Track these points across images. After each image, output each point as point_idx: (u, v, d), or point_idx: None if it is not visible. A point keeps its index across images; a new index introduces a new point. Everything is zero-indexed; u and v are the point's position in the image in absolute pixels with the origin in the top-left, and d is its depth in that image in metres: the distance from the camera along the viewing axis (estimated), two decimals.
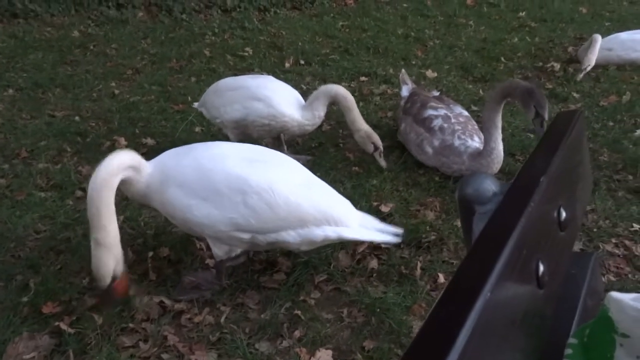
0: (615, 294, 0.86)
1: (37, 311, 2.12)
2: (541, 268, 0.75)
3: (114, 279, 1.98)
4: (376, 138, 3.04)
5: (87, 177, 3.03)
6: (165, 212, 2.15)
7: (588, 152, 1.13)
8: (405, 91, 3.70)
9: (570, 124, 1.04)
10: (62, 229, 2.63)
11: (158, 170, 2.11)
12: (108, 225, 1.93)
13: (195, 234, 2.22)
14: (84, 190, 2.95)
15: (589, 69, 4.47)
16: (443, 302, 0.62)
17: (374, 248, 2.50)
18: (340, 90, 2.98)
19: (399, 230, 2.24)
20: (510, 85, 2.86)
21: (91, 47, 5.39)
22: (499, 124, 2.89)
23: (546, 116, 2.77)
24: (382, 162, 3.11)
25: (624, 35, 4.81)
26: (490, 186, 0.90)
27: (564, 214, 0.87)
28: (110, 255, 1.94)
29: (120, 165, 1.98)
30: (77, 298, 2.19)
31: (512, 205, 0.76)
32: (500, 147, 2.93)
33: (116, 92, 4.37)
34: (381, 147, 3.07)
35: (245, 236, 2.06)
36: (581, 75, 4.46)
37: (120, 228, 2.60)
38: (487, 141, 2.92)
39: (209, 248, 2.30)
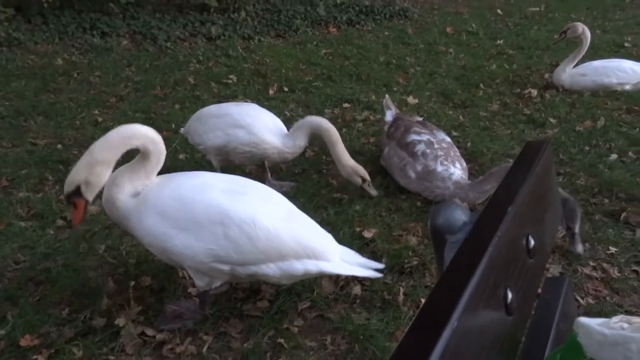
0: (583, 319, 0.89)
1: (14, 344, 2.08)
2: (509, 295, 0.77)
3: (75, 192, 2.02)
4: (363, 172, 3.06)
5: (68, 206, 3.04)
6: (145, 240, 2.13)
7: (557, 180, 1.17)
8: (389, 116, 3.77)
9: (539, 153, 1.09)
10: (42, 259, 2.60)
11: (142, 196, 2.11)
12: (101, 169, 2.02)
13: (175, 264, 2.21)
14: (65, 219, 2.93)
15: (568, 33, 5.03)
16: (413, 330, 0.64)
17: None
18: (323, 123, 3.00)
19: (380, 265, 2.25)
20: None
21: (75, 75, 5.40)
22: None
23: (577, 229, 2.56)
24: (373, 192, 3.14)
25: (597, 62, 4.99)
26: (460, 216, 0.93)
27: (532, 242, 0.90)
28: (86, 167, 2.00)
29: (133, 130, 2.06)
30: (56, 330, 2.16)
31: (480, 234, 0.78)
32: (492, 191, 2.99)
33: (99, 119, 4.37)
34: (369, 179, 3.10)
35: (225, 268, 2.05)
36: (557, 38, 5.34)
37: (101, 257, 2.62)
38: (485, 183, 2.98)
39: (191, 277, 2.29)
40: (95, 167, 2.00)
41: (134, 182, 2.10)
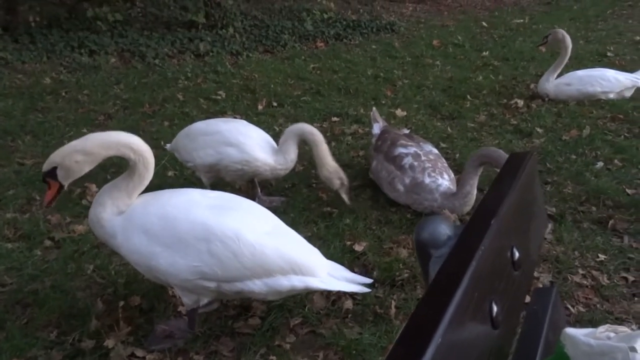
0: (569, 330, 0.89)
1: None
2: (495, 308, 0.77)
3: (51, 174, 2.03)
4: (343, 174, 3.07)
5: (57, 226, 3.02)
6: (131, 259, 2.11)
7: (541, 191, 1.18)
8: (376, 129, 3.79)
9: (522, 165, 1.10)
10: (29, 281, 2.56)
11: (128, 214, 2.10)
12: (83, 164, 2.03)
13: (161, 282, 2.18)
14: (53, 239, 2.91)
15: (549, 39, 5.16)
16: (398, 345, 0.63)
17: None
18: (306, 127, 3.03)
19: (368, 280, 2.23)
20: (490, 155, 2.92)
21: (63, 94, 5.38)
22: (478, 173, 3.00)
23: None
24: (346, 199, 3.12)
25: (581, 72, 5.08)
26: (445, 230, 0.93)
27: (517, 254, 0.91)
28: (69, 150, 2.01)
29: (134, 142, 2.06)
30: (44, 354, 2.12)
31: (464, 248, 0.79)
32: (474, 191, 3.02)
33: None
34: (347, 184, 3.10)
35: (211, 285, 2.04)
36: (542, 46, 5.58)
37: (90, 278, 2.59)
38: (463, 185, 3.00)
39: (179, 295, 2.26)
40: (79, 154, 2.01)
41: (116, 201, 2.09)
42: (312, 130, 3.03)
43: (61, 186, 2.07)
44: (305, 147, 4.06)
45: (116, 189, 2.10)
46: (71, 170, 2.04)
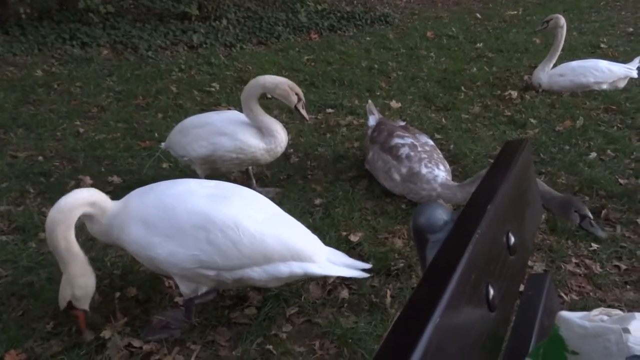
0: (564, 313, 0.90)
1: None
2: (491, 292, 0.78)
3: (71, 306, 2.10)
4: (298, 89, 3.03)
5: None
6: (131, 250, 2.13)
7: (536, 179, 1.19)
8: (372, 120, 3.80)
9: (517, 152, 1.11)
10: (24, 273, 2.56)
11: (121, 210, 2.11)
12: (70, 259, 2.03)
13: (162, 273, 2.19)
14: None
15: (550, 24, 5.10)
16: (395, 328, 0.64)
17: (345, 278, 2.52)
18: (250, 85, 2.99)
19: (367, 265, 2.24)
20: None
21: (55, 86, 5.34)
22: None
23: (590, 214, 2.51)
24: (305, 114, 3.09)
25: (574, 63, 5.10)
26: (441, 215, 0.94)
27: (512, 239, 0.92)
28: (68, 284, 2.06)
29: (78, 200, 2.03)
30: (41, 345, 2.13)
31: (461, 233, 0.80)
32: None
33: (81, 130, 4.33)
34: (304, 99, 3.07)
35: (211, 273, 2.04)
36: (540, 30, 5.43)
37: None
38: (474, 185, 2.99)
39: (177, 286, 2.27)
40: (72, 278, 2.05)
41: (95, 222, 2.14)
42: (256, 83, 2.97)
43: (85, 311, 2.14)
44: (300, 139, 4.07)
45: (89, 220, 2.16)
46: (83, 297, 2.09)
